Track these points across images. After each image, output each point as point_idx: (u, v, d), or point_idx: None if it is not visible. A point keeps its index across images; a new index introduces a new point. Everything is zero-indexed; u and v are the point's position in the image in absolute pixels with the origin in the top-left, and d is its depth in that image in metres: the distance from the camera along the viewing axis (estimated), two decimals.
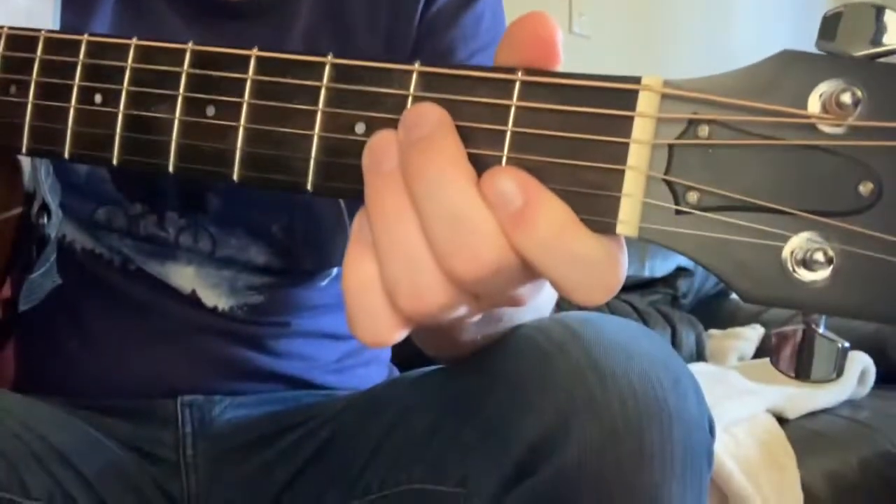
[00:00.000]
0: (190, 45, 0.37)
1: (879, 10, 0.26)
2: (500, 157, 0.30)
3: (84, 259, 0.68)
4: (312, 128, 0.33)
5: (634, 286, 1.97)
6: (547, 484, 0.47)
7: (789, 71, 0.26)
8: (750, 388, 1.57)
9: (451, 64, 0.31)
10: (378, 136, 0.31)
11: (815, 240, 0.26)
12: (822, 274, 0.25)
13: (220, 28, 0.65)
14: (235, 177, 0.35)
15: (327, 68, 0.33)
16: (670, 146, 0.27)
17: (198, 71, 0.37)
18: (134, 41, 0.39)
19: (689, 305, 2.11)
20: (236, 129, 0.35)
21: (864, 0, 0.26)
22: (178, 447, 0.67)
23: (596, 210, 0.28)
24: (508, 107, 0.29)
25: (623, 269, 0.29)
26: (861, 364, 1.64)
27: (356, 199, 0.32)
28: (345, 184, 0.33)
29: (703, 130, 0.27)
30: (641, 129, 0.27)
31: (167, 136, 0.37)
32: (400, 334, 0.31)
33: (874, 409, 1.59)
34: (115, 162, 0.40)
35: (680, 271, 2.07)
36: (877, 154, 0.25)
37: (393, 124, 0.31)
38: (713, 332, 1.97)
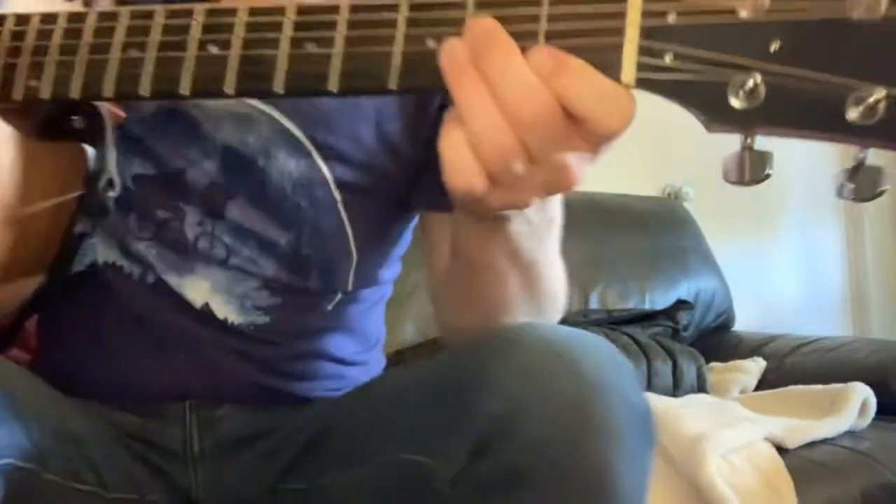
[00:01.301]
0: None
1: None
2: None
3: (106, 272, 0.74)
4: (393, 46, 0.46)
5: (635, 319, 2.00)
6: (507, 456, 0.53)
7: None
8: (748, 417, 1.54)
9: None
10: (451, 41, 0.45)
11: (747, 77, 0.39)
12: (755, 103, 0.39)
13: None
14: (336, 89, 0.47)
15: (403, 4, 0.46)
16: (652, 26, 0.42)
17: (300, 18, 0.48)
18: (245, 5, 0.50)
19: (690, 338, 2.10)
20: (333, 55, 0.47)
21: None
22: (184, 442, 0.73)
23: (605, 71, 0.42)
24: (538, 16, 0.44)
25: (634, 105, 0.43)
26: (862, 395, 1.62)
27: (429, 92, 0.45)
28: (419, 82, 0.46)
29: (673, 17, 0.41)
30: (633, 16, 0.42)
31: (276, 68, 0.48)
32: (483, 181, 0.45)
33: (875, 441, 1.57)
34: (232, 92, 0.51)
35: (680, 304, 2.10)
36: (781, 24, 0.39)
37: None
38: (714, 364, 1.96)
